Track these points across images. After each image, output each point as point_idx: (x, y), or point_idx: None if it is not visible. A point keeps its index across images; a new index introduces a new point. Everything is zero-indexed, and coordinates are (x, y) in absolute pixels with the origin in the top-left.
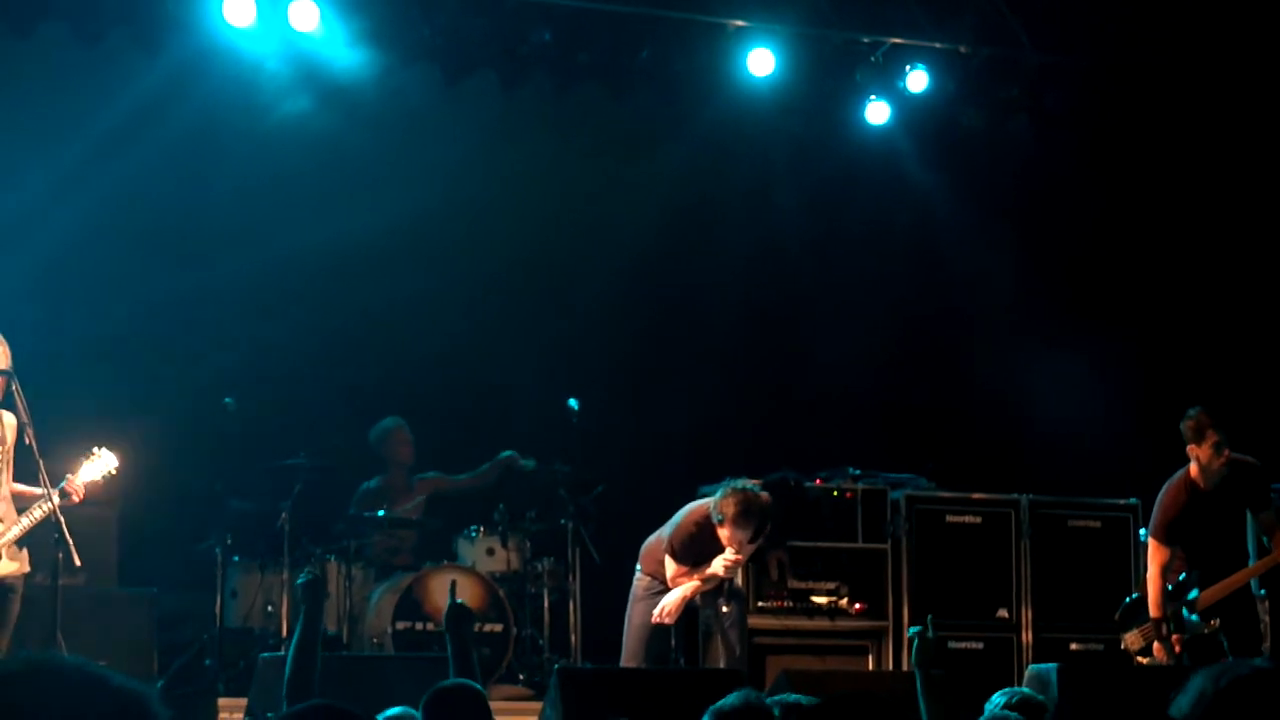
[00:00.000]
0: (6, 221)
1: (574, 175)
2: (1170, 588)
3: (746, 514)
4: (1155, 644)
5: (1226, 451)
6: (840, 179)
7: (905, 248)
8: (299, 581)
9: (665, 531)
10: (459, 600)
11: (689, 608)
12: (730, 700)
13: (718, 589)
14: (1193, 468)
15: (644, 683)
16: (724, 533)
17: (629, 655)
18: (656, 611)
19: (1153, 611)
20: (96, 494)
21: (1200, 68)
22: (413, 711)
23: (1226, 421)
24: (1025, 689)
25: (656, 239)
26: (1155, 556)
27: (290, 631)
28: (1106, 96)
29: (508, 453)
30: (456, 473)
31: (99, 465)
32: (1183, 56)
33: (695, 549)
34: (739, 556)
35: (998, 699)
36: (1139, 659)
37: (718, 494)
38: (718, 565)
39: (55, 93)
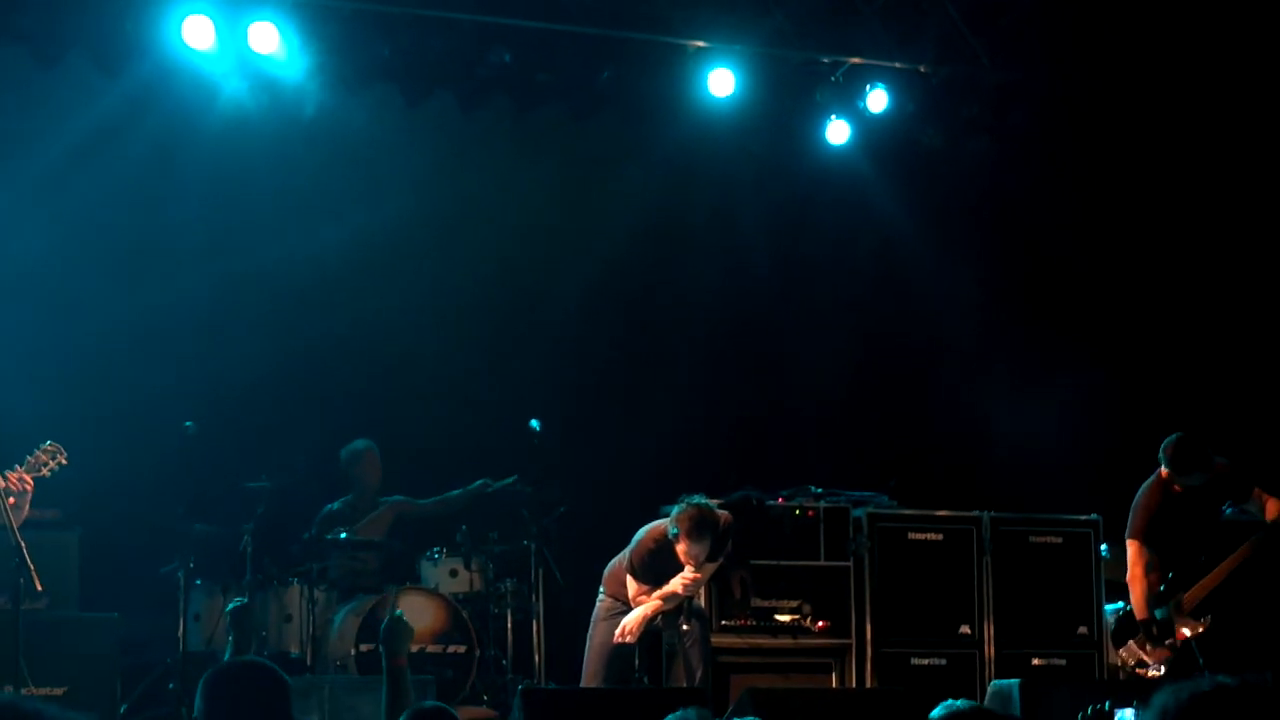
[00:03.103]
0: None
1: (535, 196)
2: (1162, 588)
3: (700, 528)
4: (1149, 645)
5: (1202, 483)
6: (802, 199)
7: (867, 266)
8: (228, 609)
9: (626, 551)
10: (401, 615)
11: (651, 628)
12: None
13: (679, 608)
14: (1165, 471)
15: (608, 703)
16: (681, 548)
17: (589, 676)
18: (618, 631)
19: (1138, 614)
20: (43, 476)
21: (1162, 85)
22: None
23: (1197, 452)
24: (959, 702)
25: (619, 259)
26: (1138, 559)
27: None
28: (1067, 115)
29: (481, 481)
30: (421, 497)
31: (47, 456)
32: (1144, 74)
33: (655, 567)
34: (697, 575)
35: (938, 713)
36: (1138, 671)
37: (674, 510)
38: (676, 584)
39: (12, 114)
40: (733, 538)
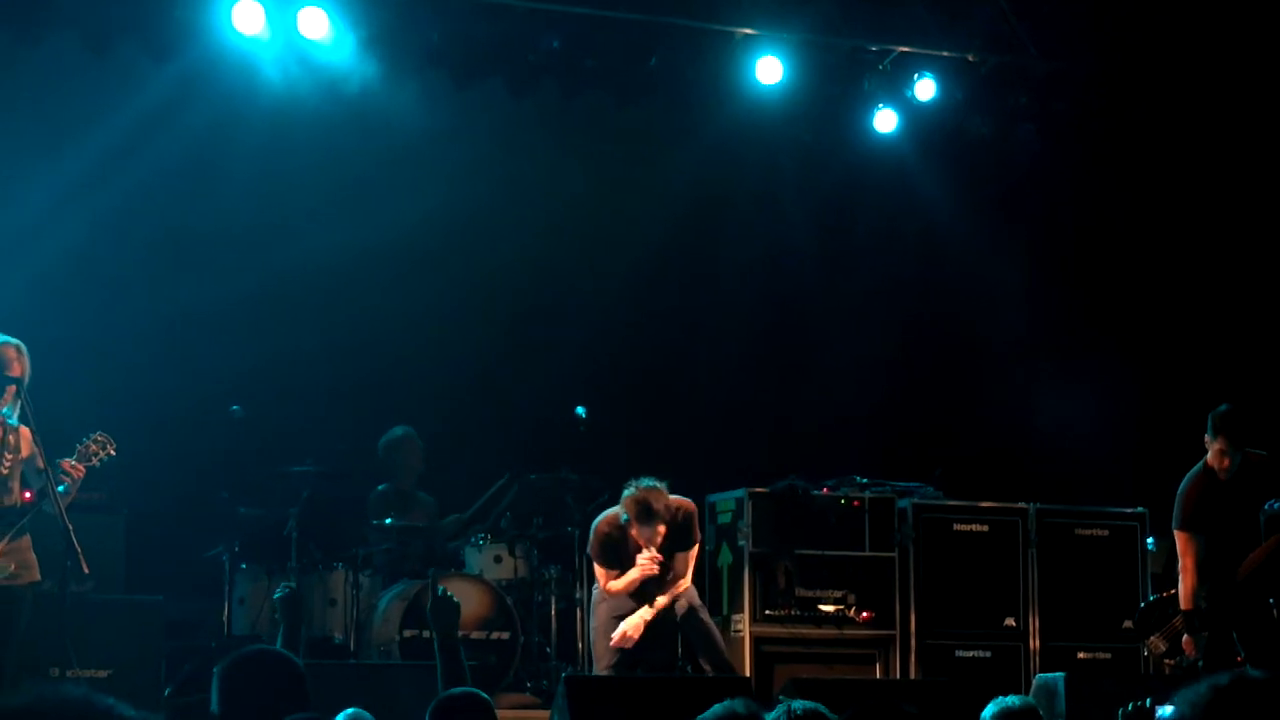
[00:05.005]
0: (15, 229)
1: (581, 182)
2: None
3: (645, 512)
4: (1186, 638)
5: (1225, 462)
6: (848, 187)
7: (913, 256)
8: (276, 596)
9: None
10: (445, 592)
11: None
12: (714, 711)
13: (671, 608)
14: (1209, 458)
15: (651, 691)
16: (633, 532)
17: (599, 655)
18: (615, 635)
19: (1184, 604)
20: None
21: (1208, 74)
22: (364, 714)
23: (1248, 424)
24: (1012, 699)
25: (664, 246)
26: (1188, 549)
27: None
28: (1114, 104)
29: (501, 481)
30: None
31: (97, 446)
32: (1190, 63)
33: (614, 552)
34: (655, 555)
35: (990, 710)
36: (1166, 661)
37: (623, 495)
38: (635, 572)
39: (64, 101)
40: (679, 509)
